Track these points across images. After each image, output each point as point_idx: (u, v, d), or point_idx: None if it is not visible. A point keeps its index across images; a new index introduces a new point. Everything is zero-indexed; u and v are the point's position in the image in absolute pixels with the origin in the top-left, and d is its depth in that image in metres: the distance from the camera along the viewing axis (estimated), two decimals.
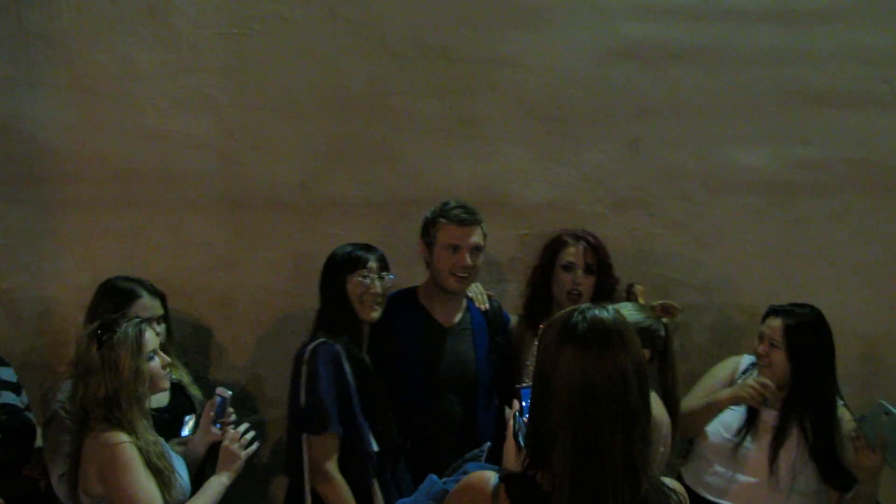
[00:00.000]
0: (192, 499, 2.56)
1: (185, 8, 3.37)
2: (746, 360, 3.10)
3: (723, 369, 3.11)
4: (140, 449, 2.45)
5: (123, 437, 2.43)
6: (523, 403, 2.01)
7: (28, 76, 3.37)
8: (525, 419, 1.88)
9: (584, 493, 1.59)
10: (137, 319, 2.58)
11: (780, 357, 2.86)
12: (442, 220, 3.01)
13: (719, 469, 2.91)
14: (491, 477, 1.71)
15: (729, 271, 3.47)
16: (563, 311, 1.74)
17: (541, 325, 2.43)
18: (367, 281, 2.90)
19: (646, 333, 2.61)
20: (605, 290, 3.19)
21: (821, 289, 3.49)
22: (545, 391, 1.65)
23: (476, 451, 2.34)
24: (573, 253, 3.16)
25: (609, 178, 3.52)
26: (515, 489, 1.67)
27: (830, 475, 2.81)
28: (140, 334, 2.52)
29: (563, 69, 3.47)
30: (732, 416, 2.94)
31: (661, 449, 2.57)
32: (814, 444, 2.81)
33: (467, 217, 3.01)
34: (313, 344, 2.82)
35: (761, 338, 2.95)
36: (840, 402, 2.90)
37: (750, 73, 3.47)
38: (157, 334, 2.72)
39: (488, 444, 2.36)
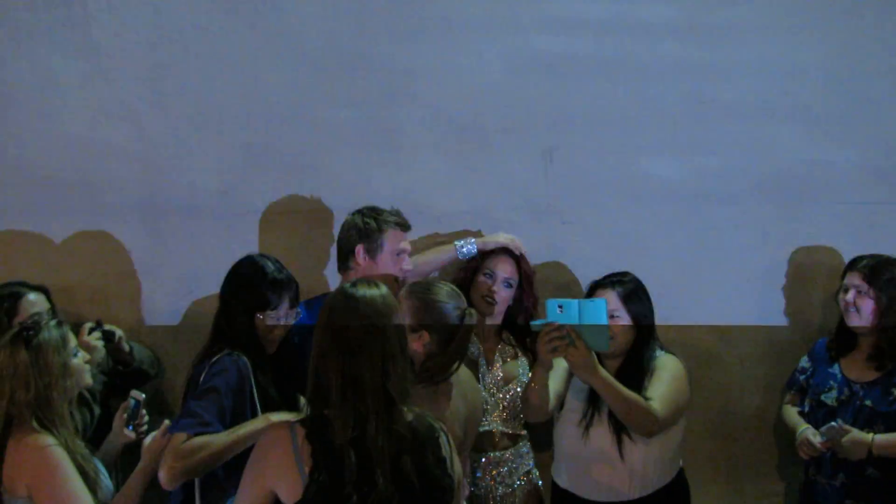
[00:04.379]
0: (116, 498, 2.60)
1: (103, 18, 3.41)
2: None
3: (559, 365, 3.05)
4: (67, 451, 2.48)
5: (50, 439, 2.46)
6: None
7: None
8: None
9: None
10: (56, 319, 2.64)
11: (621, 326, 2.94)
12: (389, 226, 3.07)
13: (572, 460, 2.98)
14: (287, 420, 2.08)
15: (640, 277, 3.53)
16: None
17: None
18: (281, 322, 2.84)
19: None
20: (522, 305, 3.32)
21: (727, 293, 3.62)
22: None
23: None
24: (495, 264, 3.28)
25: (524, 187, 3.60)
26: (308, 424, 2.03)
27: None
28: (63, 332, 2.59)
29: (479, 80, 3.55)
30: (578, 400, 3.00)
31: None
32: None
33: (407, 222, 3.13)
34: (220, 355, 2.69)
35: None
36: (669, 351, 3.03)
37: (657, 85, 3.57)
38: None
39: None
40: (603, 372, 2.71)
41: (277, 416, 2.53)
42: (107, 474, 2.64)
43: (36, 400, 2.48)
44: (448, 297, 2.63)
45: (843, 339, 3.30)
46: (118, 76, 3.44)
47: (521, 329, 3.34)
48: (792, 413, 3.40)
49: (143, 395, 2.82)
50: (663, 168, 3.62)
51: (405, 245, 3.11)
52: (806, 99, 3.60)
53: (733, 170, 3.63)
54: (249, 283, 2.80)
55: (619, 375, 2.89)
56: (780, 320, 3.67)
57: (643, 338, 2.99)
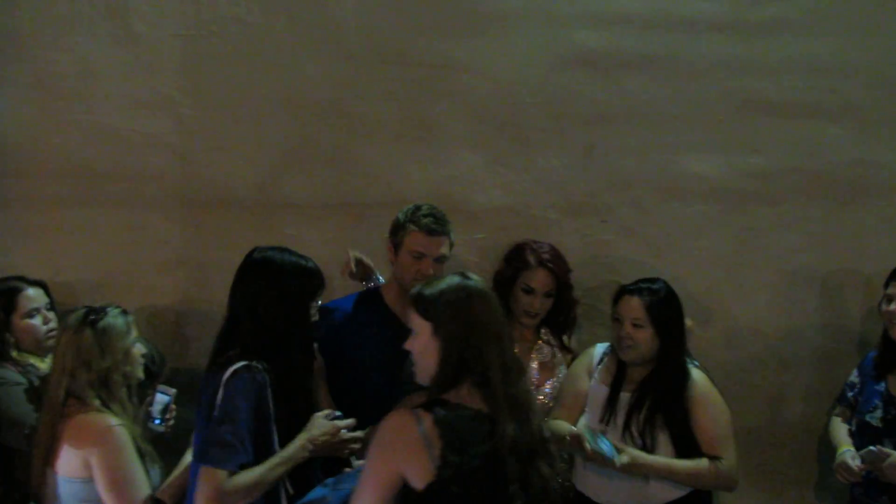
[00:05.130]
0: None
1: (143, 9, 3.42)
2: (599, 349, 3.08)
3: (580, 366, 3.08)
4: (129, 431, 2.55)
5: (115, 420, 2.54)
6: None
7: None
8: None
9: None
10: (120, 308, 2.71)
11: (645, 335, 2.87)
12: (412, 226, 3.00)
13: (590, 466, 2.90)
14: (408, 409, 2.08)
15: (680, 278, 3.46)
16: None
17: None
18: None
19: None
20: (562, 309, 3.24)
21: (769, 296, 3.55)
22: None
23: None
24: (534, 279, 3.17)
25: (562, 184, 3.56)
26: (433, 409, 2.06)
27: (680, 435, 2.82)
28: (127, 320, 2.69)
29: (518, 76, 3.52)
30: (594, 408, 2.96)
31: None
32: (668, 407, 2.83)
33: (436, 227, 2.99)
34: (236, 367, 2.41)
35: (619, 320, 2.92)
36: (694, 364, 2.94)
37: (700, 83, 3.53)
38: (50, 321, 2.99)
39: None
40: (654, 460, 2.79)
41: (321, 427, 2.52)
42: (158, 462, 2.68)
43: (98, 381, 2.56)
44: None
45: (888, 354, 3.13)
46: (157, 68, 3.44)
47: (560, 325, 3.28)
48: (838, 430, 3.26)
49: (174, 391, 2.84)
50: (705, 167, 3.56)
51: (428, 250, 2.97)
52: (854, 97, 3.54)
53: (778, 170, 3.57)
54: (296, 274, 2.57)
55: (647, 384, 2.86)
56: (824, 325, 3.60)
57: (669, 346, 2.90)
